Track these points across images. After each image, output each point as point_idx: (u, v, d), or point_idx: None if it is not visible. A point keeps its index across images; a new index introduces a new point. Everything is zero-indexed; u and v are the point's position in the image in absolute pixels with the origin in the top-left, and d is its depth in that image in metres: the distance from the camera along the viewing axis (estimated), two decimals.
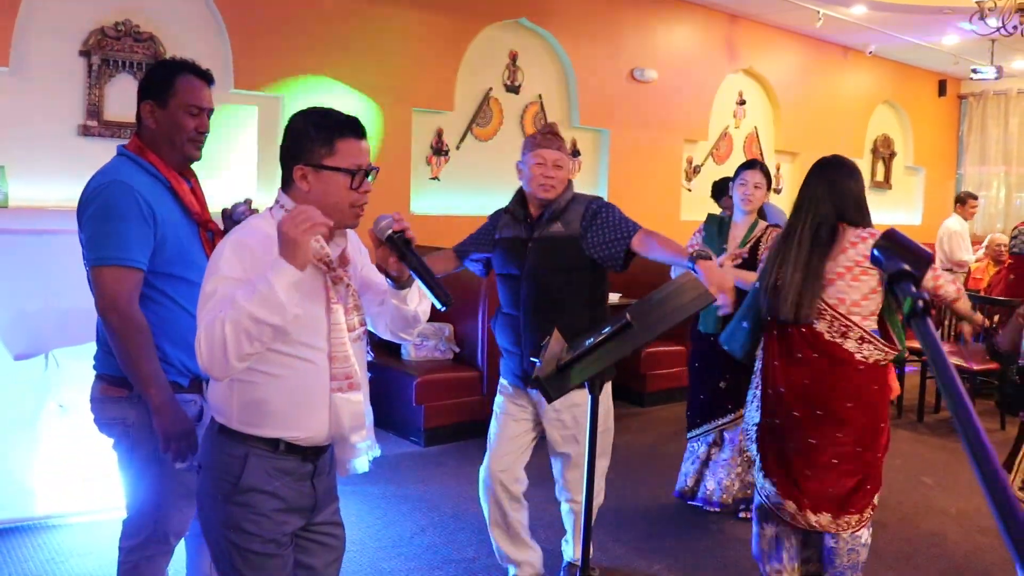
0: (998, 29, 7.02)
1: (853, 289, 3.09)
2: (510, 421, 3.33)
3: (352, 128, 1.98)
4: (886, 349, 3.11)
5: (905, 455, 5.61)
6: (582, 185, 8.05)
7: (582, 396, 3.08)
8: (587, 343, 2.17)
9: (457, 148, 7.05)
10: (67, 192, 5.00)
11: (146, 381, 2.33)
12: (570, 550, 3.59)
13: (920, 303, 0.92)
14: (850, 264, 3.09)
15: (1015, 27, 7.00)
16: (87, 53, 5.18)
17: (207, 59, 5.64)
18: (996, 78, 9.68)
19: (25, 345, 4.02)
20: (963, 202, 9.06)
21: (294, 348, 1.95)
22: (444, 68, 6.82)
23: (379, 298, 2.16)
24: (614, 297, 6.48)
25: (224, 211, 2.80)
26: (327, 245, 1.97)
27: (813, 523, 3.17)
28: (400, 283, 2.07)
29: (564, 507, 3.49)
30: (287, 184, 2.01)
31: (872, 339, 3.09)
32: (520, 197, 3.25)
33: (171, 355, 2.42)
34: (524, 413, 3.33)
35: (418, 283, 2.07)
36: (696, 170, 9.02)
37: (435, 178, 6.96)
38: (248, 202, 2.79)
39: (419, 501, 4.48)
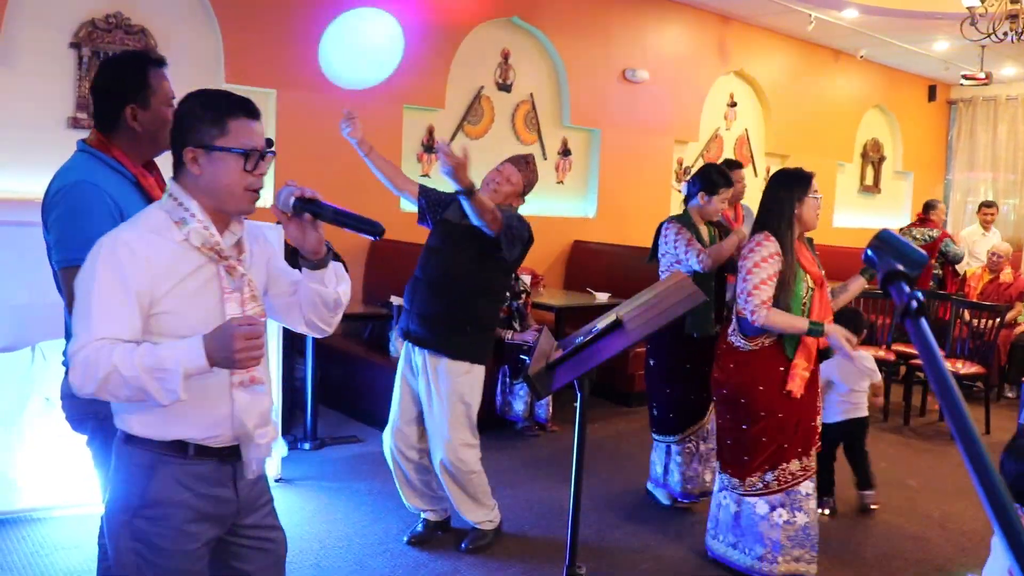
0: (988, 35, 7.05)
1: (738, 283, 3.57)
2: (405, 384, 3.87)
3: (244, 108, 1.90)
4: (743, 340, 3.60)
5: (891, 458, 5.63)
6: (573, 185, 8.06)
7: (458, 370, 3.65)
8: (576, 341, 2.17)
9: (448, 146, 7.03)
10: None
11: None
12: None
13: (914, 303, 0.92)
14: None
15: (1005, 33, 7.03)
16: (77, 45, 5.16)
17: (198, 53, 5.65)
18: (985, 84, 9.74)
19: (11, 338, 3.99)
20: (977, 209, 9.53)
21: None
22: (436, 65, 6.81)
23: (291, 289, 2.09)
24: (603, 297, 6.49)
25: None
26: (218, 234, 1.90)
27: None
28: (316, 262, 2.01)
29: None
30: (178, 170, 1.92)
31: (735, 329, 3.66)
32: None
33: None
34: (413, 379, 3.81)
35: (333, 264, 2.04)
36: (686, 171, 9.03)
37: (425, 175, 6.95)
38: None
39: None
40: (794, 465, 3.57)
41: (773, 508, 3.58)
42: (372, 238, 1.96)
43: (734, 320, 3.66)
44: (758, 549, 3.59)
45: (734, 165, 5.63)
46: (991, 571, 2.39)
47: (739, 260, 3.60)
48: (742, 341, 3.60)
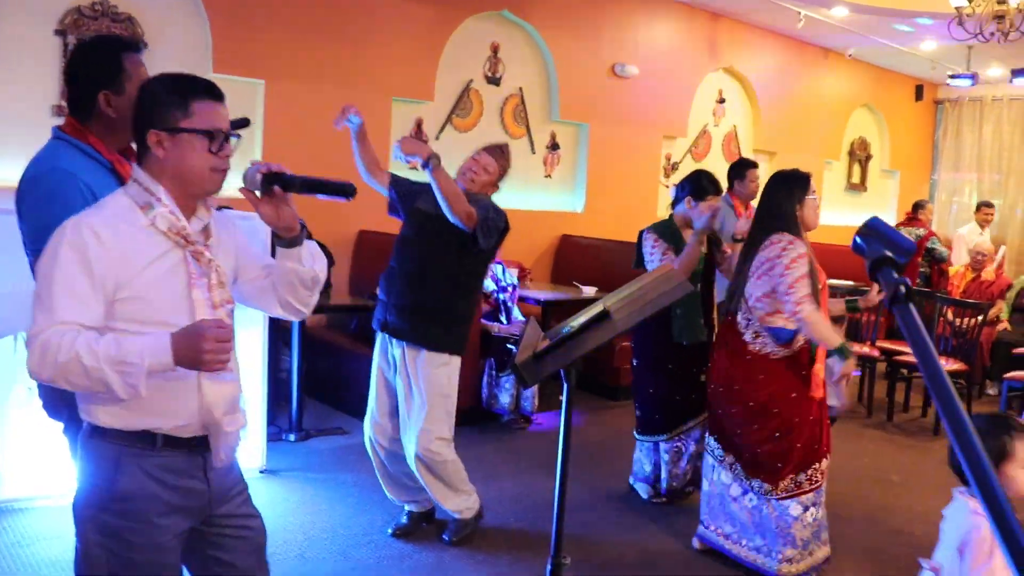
0: (975, 35, 7.09)
1: (756, 287, 3.52)
2: (381, 377, 3.87)
3: (208, 90, 1.88)
4: (776, 346, 3.54)
5: (873, 453, 5.67)
6: (561, 179, 8.05)
7: (436, 362, 3.63)
8: (563, 332, 2.16)
9: (436, 139, 7.01)
10: None
11: None
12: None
13: (902, 289, 0.93)
14: (756, 265, 3.51)
15: (991, 34, 7.07)
16: (63, 33, 5.11)
17: (186, 42, 5.61)
18: (972, 84, 9.80)
19: None
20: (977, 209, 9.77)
21: (154, 329, 1.78)
22: (425, 58, 6.79)
23: (263, 273, 2.07)
24: (589, 291, 6.49)
25: None
26: (185, 219, 1.87)
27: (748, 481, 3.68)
28: (291, 239, 2.01)
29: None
30: (142, 155, 1.89)
31: (763, 334, 3.55)
32: None
33: None
34: (390, 371, 3.81)
35: (308, 243, 2.04)
36: (674, 167, 9.05)
37: (414, 168, 6.92)
38: None
39: None
40: (824, 464, 3.63)
41: (806, 508, 3.59)
42: (345, 199, 1.96)
43: (755, 327, 3.56)
44: (788, 552, 3.57)
45: (749, 164, 5.61)
46: (943, 557, 2.43)
47: (769, 260, 3.45)
48: (774, 347, 3.55)
